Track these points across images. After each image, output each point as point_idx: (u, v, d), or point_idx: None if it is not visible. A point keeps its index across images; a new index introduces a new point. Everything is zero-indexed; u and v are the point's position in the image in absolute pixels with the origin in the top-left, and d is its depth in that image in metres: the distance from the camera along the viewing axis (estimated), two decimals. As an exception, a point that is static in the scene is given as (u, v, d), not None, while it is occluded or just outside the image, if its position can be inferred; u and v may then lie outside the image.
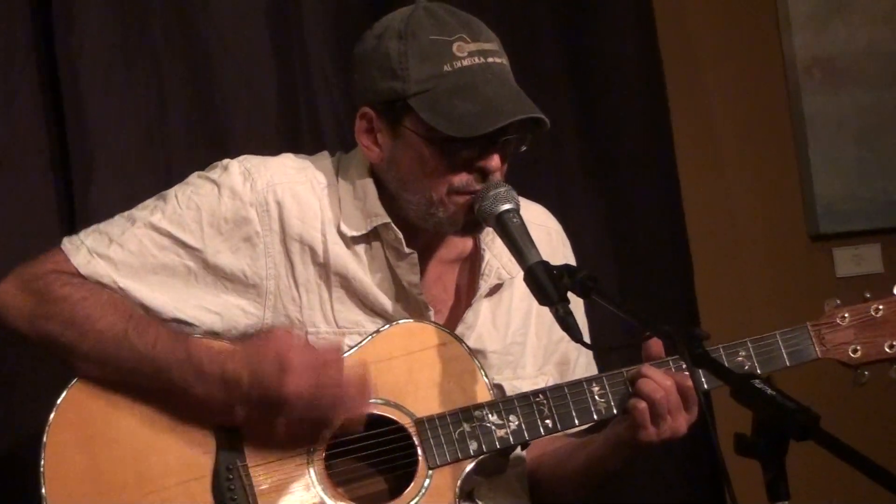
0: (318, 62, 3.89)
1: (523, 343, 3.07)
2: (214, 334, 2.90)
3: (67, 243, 2.93)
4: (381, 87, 2.88)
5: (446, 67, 2.85)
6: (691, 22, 4.64)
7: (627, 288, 4.26)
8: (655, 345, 2.89)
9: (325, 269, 2.93)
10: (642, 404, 2.84)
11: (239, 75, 3.79)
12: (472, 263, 3.05)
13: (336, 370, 2.75)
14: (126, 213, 2.96)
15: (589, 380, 2.93)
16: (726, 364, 2.92)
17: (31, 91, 3.59)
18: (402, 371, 2.90)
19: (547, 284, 2.72)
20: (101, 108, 3.64)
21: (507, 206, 2.83)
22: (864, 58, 4.77)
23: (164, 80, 3.72)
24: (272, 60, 3.83)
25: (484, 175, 2.87)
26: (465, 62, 2.85)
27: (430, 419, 2.87)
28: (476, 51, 2.87)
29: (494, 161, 2.86)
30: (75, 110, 3.62)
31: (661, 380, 2.85)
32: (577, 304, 2.77)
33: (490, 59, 2.88)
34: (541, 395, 2.90)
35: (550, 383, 3.06)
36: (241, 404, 2.78)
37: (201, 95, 3.76)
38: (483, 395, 2.91)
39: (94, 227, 2.96)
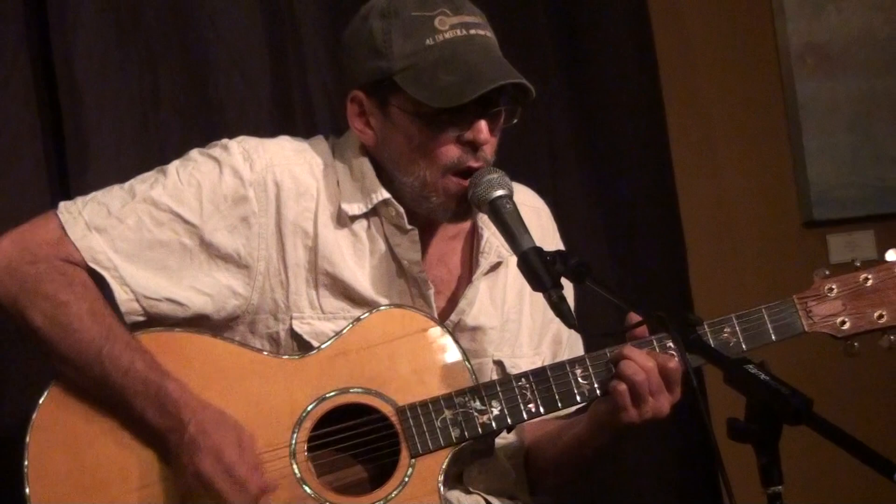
0: (311, 47, 3.88)
1: (518, 321, 3.07)
2: (204, 316, 2.90)
3: (65, 211, 2.90)
4: (367, 68, 2.89)
5: (429, 41, 2.85)
6: (685, 9, 4.64)
7: (621, 274, 4.26)
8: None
9: (314, 253, 2.92)
10: (622, 386, 2.82)
11: (232, 61, 3.78)
12: (471, 241, 3.04)
13: (249, 497, 2.75)
14: (126, 185, 2.94)
15: (572, 362, 2.91)
16: (712, 341, 2.91)
17: (24, 78, 3.58)
18: (383, 358, 2.89)
19: (540, 270, 2.71)
20: (96, 95, 3.63)
21: (500, 192, 2.83)
22: (857, 44, 4.77)
23: (158, 67, 3.72)
24: (265, 46, 3.83)
25: (474, 148, 2.86)
26: (448, 35, 2.85)
27: (412, 407, 2.86)
28: (458, 23, 2.87)
29: (482, 132, 2.86)
30: (69, 98, 3.62)
31: (642, 361, 2.83)
32: (566, 288, 2.77)
33: (473, 31, 2.88)
34: (523, 380, 2.89)
35: (547, 363, 3.06)
36: (173, 448, 2.78)
37: (195, 82, 3.76)
38: (465, 380, 2.89)
39: (92, 195, 2.94)
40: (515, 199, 2.87)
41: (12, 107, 3.57)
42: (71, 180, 3.61)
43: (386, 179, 2.94)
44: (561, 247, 3.13)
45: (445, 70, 2.83)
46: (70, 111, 3.61)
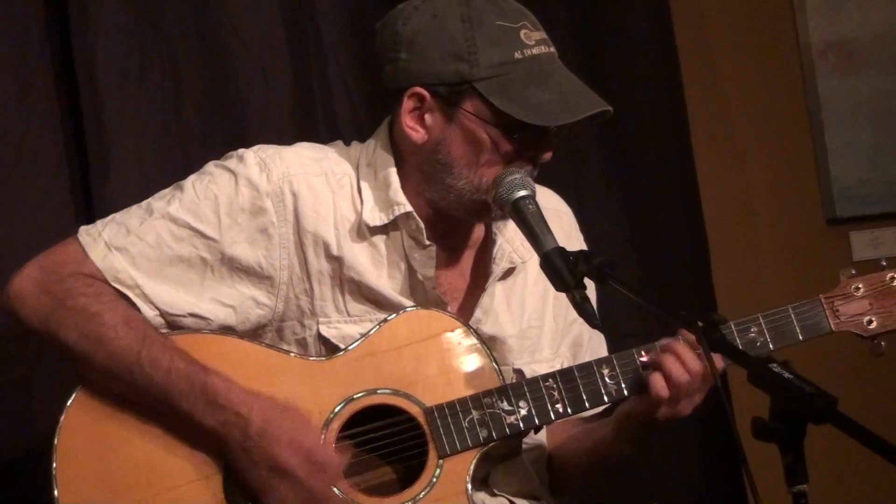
0: (332, 51, 3.88)
1: (540, 327, 3.06)
2: (228, 328, 2.90)
3: (85, 234, 2.91)
4: (441, 70, 2.85)
5: (517, 55, 2.83)
6: (707, 6, 4.63)
7: (644, 274, 4.26)
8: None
9: (338, 263, 2.91)
10: (662, 382, 2.81)
11: (254, 65, 3.79)
12: (485, 249, 3.03)
13: (329, 478, 2.78)
14: (144, 203, 2.94)
15: (599, 362, 2.91)
16: (738, 340, 2.91)
17: (46, 84, 3.60)
18: (410, 359, 2.89)
19: (563, 270, 2.71)
20: (117, 100, 3.65)
21: (523, 193, 2.82)
22: (878, 42, 4.76)
23: (180, 70, 3.73)
24: (287, 50, 3.83)
25: (534, 163, 2.87)
26: (535, 50, 2.85)
27: (440, 408, 2.86)
28: (541, 39, 2.87)
29: (550, 152, 2.88)
30: (91, 103, 3.63)
31: (691, 363, 2.81)
32: (589, 288, 2.77)
33: (552, 49, 2.89)
34: (551, 380, 2.89)
35: (565, 366, 3.05)
36: (237, 443, 2.78)
37: (217, 86, 3.77)
38: (492, 381, 2.89)
39: (111, 216, 2.95)
40: (539, 201, 2.86)
41: (35, 111, 3.58)
42: (92, 184, 3.63)
43: (410, 187, 2.93)
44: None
45: (536, 86, 2.82)
46: (92, 115, 3.63)
